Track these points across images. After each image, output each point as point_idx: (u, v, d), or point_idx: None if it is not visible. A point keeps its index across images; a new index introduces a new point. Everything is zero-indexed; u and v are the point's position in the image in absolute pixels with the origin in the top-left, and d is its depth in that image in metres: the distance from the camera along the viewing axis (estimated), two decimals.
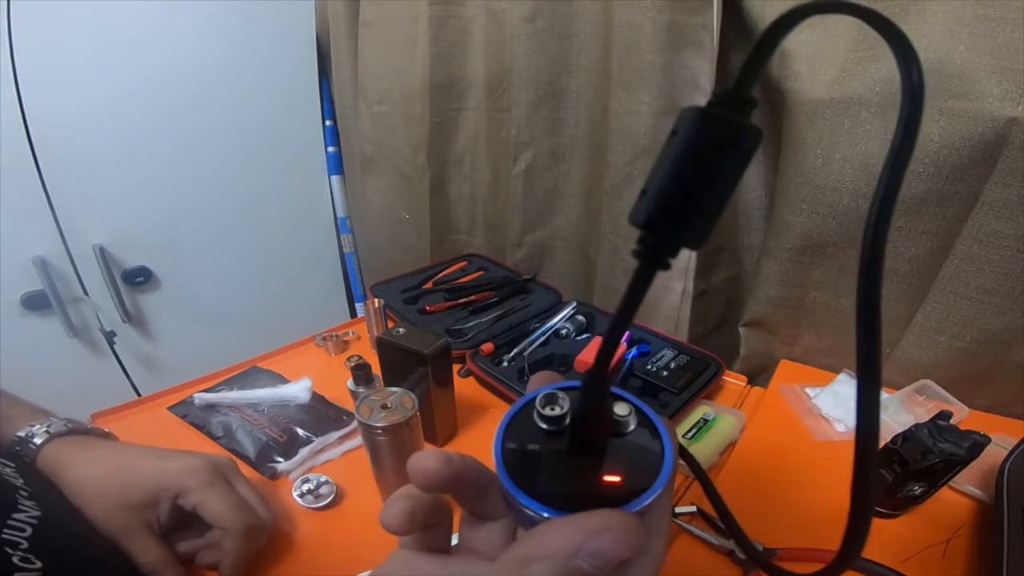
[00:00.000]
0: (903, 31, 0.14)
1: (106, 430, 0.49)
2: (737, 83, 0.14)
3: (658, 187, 0.14)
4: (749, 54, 0.14)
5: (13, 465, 0.40)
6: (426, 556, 0.21)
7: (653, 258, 0.15)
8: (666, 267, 0.15)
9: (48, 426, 0.43)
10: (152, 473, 0.43)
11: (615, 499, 0.17)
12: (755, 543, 0.46)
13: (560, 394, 0.20)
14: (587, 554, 0.15)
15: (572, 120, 0.88)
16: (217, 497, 0.43)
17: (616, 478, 0.18)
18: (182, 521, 0.44)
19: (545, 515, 0.17)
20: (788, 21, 0.14)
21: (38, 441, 0.42)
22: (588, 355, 0.66)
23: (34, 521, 0.35)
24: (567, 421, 0.19)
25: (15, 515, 0.34)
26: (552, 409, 0.19)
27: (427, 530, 0.21)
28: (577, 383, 0.20)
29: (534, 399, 0.20)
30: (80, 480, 0.41)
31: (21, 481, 0.38)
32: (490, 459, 0.20)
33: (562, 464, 0.19)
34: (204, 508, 0.42)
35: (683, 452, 0.25)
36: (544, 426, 0.20)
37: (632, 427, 0.20)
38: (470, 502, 0.21)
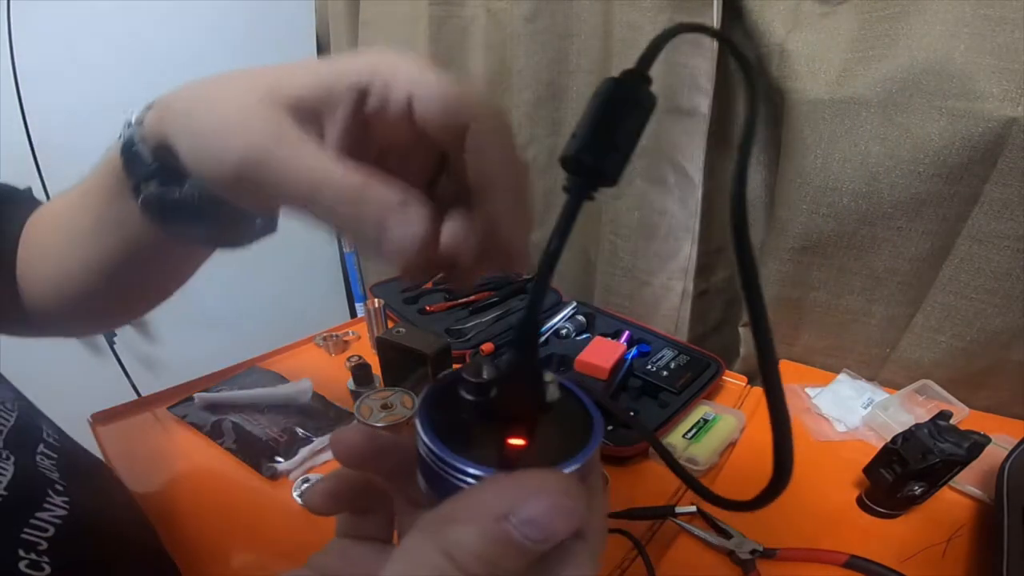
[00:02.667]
0: (752, 58, 0.16)
1: None
2: (639, 63, 0.18)
3: (582, 129, 0.17)
4: (646, 48, 0.18)
5: (55, 457, 0.38)
6: (360, 543, 0.21)
7: (580, 188, 0.17)
8: (591, 198, 0.17)
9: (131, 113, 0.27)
10: (324, 63, 0.22)
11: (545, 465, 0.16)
12: (754, 542, 0.46)
13: (485, 363, 0.19)
14: (521, 520, 0.13)
15: (572, 120, 0.88)
16: (451, 83, 0.20)
17: (545, 443, 0.17)
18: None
19: (473, 472, 0.15)
20: (665, 37, 0.18)
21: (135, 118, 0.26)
22: (588, 355, 0.66)
23: (58, 521, 0.33)
24: (492, 392, 0.18)
25: (39, 513, 0.32)
26: (477, 376, 0.18)
27: (362, 517, 0.21)
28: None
29: (460, 372, 0.19)
30: (204, 88, 0.24)
31: (57, 475, 0.36)
32: None
33: (487, 430, 0.18)
34: (426, 101, 0.19)
35: (653, 440, 0.26)
36: (469, 396, 0.18)
37: (556, 396, 0.18)
38: (401, 484, 0.20)
